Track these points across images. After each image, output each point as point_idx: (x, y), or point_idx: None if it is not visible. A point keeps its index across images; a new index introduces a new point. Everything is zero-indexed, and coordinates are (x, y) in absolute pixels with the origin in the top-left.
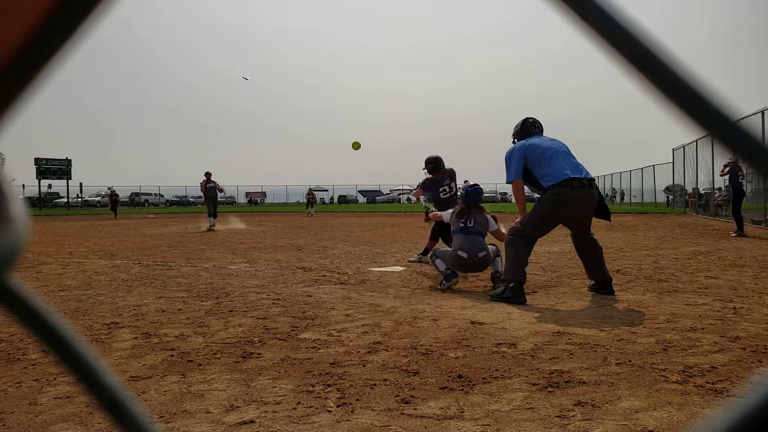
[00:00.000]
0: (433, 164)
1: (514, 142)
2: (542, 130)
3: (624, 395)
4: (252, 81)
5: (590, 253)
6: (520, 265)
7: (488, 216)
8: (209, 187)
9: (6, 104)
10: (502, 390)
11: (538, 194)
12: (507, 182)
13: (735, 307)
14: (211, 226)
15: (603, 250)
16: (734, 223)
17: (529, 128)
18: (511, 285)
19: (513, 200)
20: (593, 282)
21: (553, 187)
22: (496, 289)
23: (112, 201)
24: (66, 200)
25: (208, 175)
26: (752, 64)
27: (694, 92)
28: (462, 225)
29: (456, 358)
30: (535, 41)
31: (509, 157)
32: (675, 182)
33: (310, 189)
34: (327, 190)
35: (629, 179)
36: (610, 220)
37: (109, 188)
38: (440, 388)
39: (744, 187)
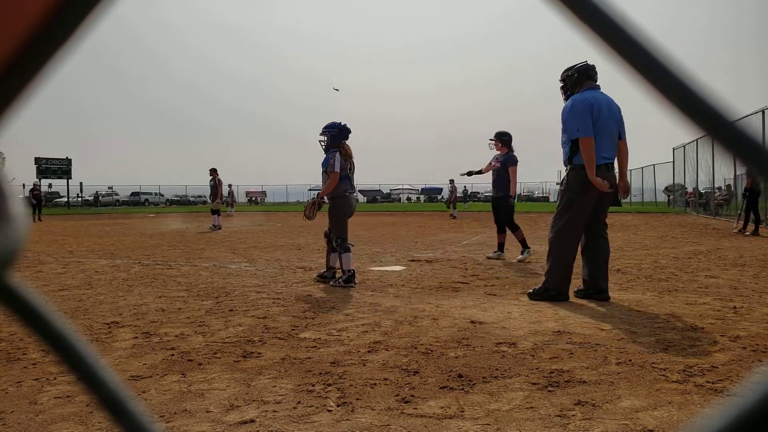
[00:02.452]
0: (509, 137)
1: (565, 87)
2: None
3: (624, 395)
4: (252, 80)
5: (599, 254)
6: (564, 270)
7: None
8: (211, 185)
9: (6, 104)
10: (502, 389)
11: (565, 164)
12: (574, 138)
13: (735, 307)
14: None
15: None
16: (730, 221)
17: (592, 75)
18: (553, 293)
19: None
20: (583, 287)
21: (583, 167)
22: (535, 288)
23: (35, 198)
24: (66, 200)
25: (210, 171)
26: (753, 63)
27: (692, 92)
28: (349, 172)
29: (456, 357)
30: (534, 39)
31: (575, 109)
32: (675, 181)
33: (229, 185)
34: None
35: (629, 178)
36: (620, 205)
37: (35, 184)
38: (440, 388)
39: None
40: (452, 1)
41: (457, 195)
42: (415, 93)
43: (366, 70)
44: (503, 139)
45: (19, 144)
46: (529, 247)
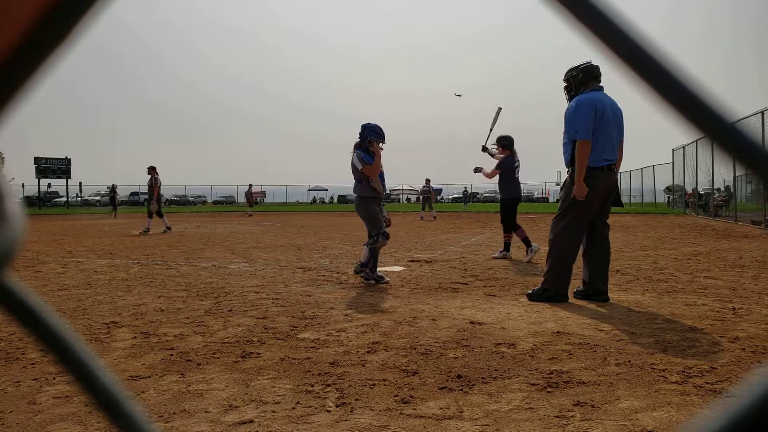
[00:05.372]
0: (508, 141)
1: (569, 88)
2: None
3: (623, 395)
4: (251, 80)
5: (600, 256)
6: (564, 271)
7: (355, 157)
8: (148, 185)
9: (4, 102)
10: (501, 390)
11: (566, 165)
12: (574, 138)
13: (734, 308)
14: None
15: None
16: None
17: (597, 76)
18: (552, 294)
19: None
20: (582, 288)
21: (588, 169)
22: (534, 289)
23: (112, 198)
24: (65, 199)
25: (149, 170)
26: (752, 64)
27: (691, 94)
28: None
29: (455, 358)
30: (534, 42)
31: (579, 110)
32: (675, 182)
33: (250, 185)
34: (327, 190)
35: (629, 179)
36: (622, 206)
37: (114, 185)
38: (439, 388)
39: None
40: (453, 2)
41: (427, 196)
42: (415, 93)
43: (366, 70)
44: (503, 143)
45: (19, 143)
46: (508, 251)
